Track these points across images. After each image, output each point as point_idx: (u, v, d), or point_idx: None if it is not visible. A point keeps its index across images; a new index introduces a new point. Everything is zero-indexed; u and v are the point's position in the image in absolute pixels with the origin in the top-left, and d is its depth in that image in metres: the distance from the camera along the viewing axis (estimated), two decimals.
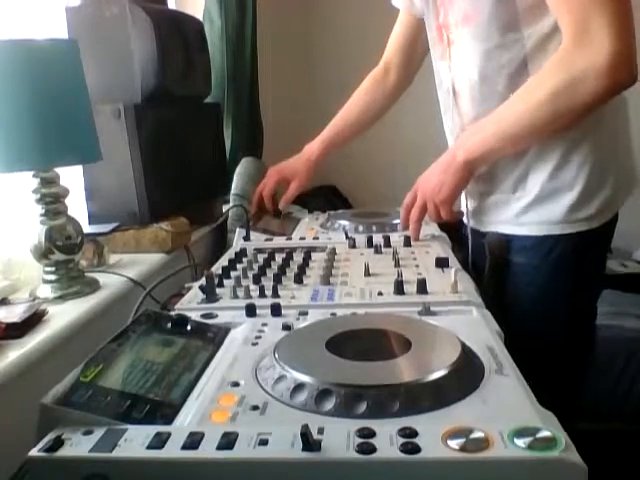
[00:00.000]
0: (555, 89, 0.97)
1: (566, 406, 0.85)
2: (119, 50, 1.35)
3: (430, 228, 1.26)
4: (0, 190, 1.16)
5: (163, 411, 0.58)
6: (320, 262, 1.08)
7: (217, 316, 0.83)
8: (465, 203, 1.27)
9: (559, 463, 0.47)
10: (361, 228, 1.34)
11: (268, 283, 0.94)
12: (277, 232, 1.37)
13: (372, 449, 0.49)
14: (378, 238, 1.19)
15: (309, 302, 0.89)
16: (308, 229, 1.39)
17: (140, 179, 1.32)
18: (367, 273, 0.99)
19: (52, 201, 1.05)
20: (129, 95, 1.34)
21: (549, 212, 1.10)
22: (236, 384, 0.63)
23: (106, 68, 1.35)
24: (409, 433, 0.50)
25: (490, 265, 1.19)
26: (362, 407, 0.56)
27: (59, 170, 1.05)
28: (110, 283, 1.12)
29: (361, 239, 1.21)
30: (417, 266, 1.03)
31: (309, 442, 0.49)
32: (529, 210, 1.12)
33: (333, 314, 0.82)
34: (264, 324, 0.79)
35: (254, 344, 0.73)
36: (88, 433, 0.53)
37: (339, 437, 0.50)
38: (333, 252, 1.14)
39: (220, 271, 1.03)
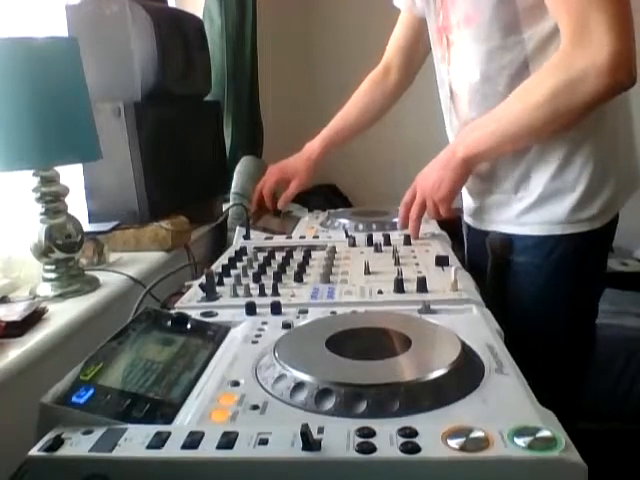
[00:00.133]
0: (555, 89, 0.97)
1: (566, 406, 0.85)
2: (119, 48, 1.35)
3: (430, 226, 1.26)
4: (0, 189, 1.16)
5: (163, 410, 0.58)
6: (320, 260, 1.08)
7: (217, 314, 0.83)
8: (464, 201, 1.27)
9: (559, 463, 0.47)
10: (361, 226, 1.34)
11: (268, 281, 0.94)
12: (277, 231, 1.37)
13: (372, 449, 0.49)
14: (378, 236, 1.19)
15: (309, 300, 0.89)
16: (308, 228, 1.39)
17: (140, 178, 1.32)
18: (367, 271, 0.99)
19: (52, 200, 1.05)
20: (129, 93, 1.34)
21: (551, 212, 1.10)
22: (236, 383, 0.63)
23: (106, 66, 1.35)
24: (409, 432, 0.50)
25: (492, 264, 1.19)
26: (362, 406, 0.56)
27: (59, 169, 1.05)
28: (110, 281, 1.12)
29: (361, 237, 1.21)
30: (417, 264, 1.03)
31: (309, 441, 0.49)
32: (531, 210, 1.12)
33: (333, 312, 0.82)
34: (264, 322, 0.79)
35: (254, 342, 0.73)
36: (88, 433, 0.53)
37: (339, 436, 0.50)
38: (333, 250, 1.14)
39: (220, 269, 1.03)
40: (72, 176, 1.20)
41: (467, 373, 0.61)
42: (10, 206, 1.20)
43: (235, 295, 0.91)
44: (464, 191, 1.26)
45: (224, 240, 1.60)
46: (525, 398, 0.58)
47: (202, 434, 0.52)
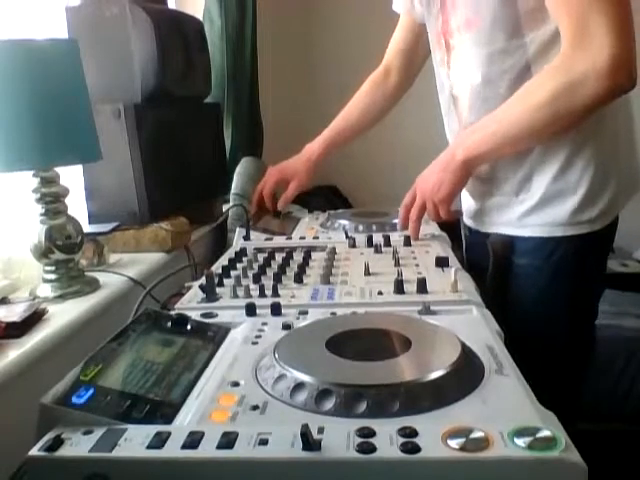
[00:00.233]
0: (555, 91, 0.97)
1: (566, 406, 0.85)
2: (119, 50, 1.35)
3: (430, 227, 1.26)
4: (0, 189, 1.16)
5: (163, 411, 0.58)
6: (320, 261, 1.08)
7: (217, 315, 0.83)
8: (464, 203, 1.27)
9: (559, 463, 0.47)
10: (361, 228, 1.34)
11: (268, 282, 0.94)
12: (277, 232, 1.37)
13: (372, 449, 0.49)
14: (378, 237, 1.19)
15: (309, 301, 0.89)
16: (308, 229, 1.39)
17: (140, 179, 1.32)
18: (367, 272, 0.99)
19: (52, 200, 1.05)
20: (129, 95, 1.34)
21: (552, 215, 1.10)
22: (236, 384, 0.63)
23: (106, 68, 1.35)
24: (409, 433, 0.50)
25: (493, 266, 1.20)
26: (362, 407, 0.56)
27: (59, 170, 1.05)
28: (110, 282, 1.12)
29: (361, 239, 1.21)
30: (417, 265, 1.03)
31: (309, 442, 0.49)
32: (532, 212, 1.12)
33: (333, 313, 0.82)
34: (264, 323, 0.79)
35: (254, 343, 0.73)
36: (88, 433, 0.53)
37: (339, 437, 0.50)
38: (333, 251, 1.14)
39: (220, 270, 1.03)
40: (72, 177, 1.20)
41: (467, 374, 0.61)
42: (10, 207, 1.20)
43: (235, 296, 0.91)
44: (464, 193, 1.26)
45: (224, 241, 1.60)
46: (525, 398, 0.58)
47: (202, 434, 0.52)
